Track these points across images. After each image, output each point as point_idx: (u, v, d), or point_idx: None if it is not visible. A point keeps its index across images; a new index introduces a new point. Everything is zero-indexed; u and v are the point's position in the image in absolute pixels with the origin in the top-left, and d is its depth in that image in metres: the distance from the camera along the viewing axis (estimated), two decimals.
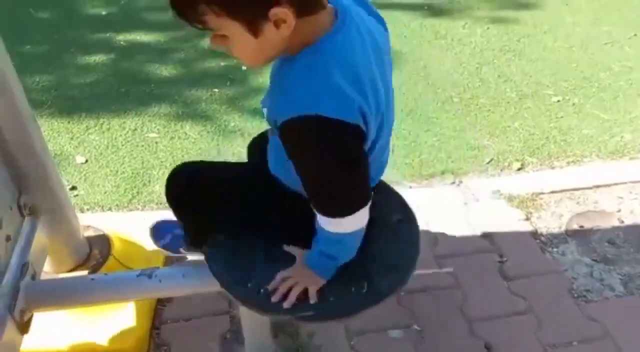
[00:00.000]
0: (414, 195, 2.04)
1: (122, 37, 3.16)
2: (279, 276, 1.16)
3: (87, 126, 2.52)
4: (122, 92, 2.74)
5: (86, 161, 2.34)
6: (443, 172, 2.30)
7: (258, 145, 1.33)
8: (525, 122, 2.57)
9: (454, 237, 1.99)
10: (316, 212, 1.05)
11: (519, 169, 2.32)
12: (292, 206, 1.15)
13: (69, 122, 2.54)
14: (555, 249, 1.97)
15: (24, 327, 1.26)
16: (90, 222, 1.86)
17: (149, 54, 3.03)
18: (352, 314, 1.17)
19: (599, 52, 3.06)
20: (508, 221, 2.06)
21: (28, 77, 2.77)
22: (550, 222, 2.07)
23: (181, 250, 1.58)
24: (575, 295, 1.81)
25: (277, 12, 0.88)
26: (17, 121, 1.32)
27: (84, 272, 1.59)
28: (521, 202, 2.14)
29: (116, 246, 1.69)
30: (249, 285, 1.17)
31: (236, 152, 2.35)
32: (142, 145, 2.41)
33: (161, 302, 1.75)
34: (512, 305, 1.77)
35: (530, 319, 1.73)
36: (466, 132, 2.50)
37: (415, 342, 1.67)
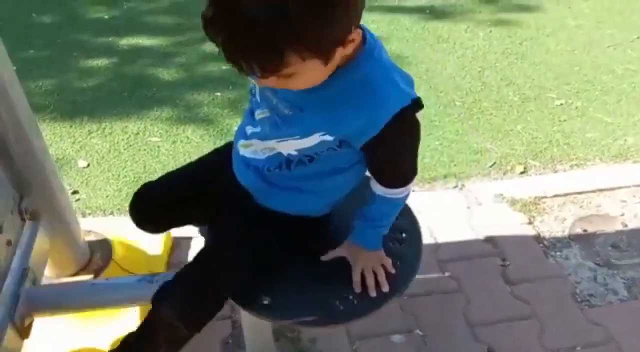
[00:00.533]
0: (416, 199, 2.02)
1: (125, 41, 3.17)
2: (355, 275, 1.17)
3: (89, 130, 2.52)
4: (125, 96, 2.74)
5: (88, 165, 2.34)
6: (446, 176, 2.29)
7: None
8: (528, 126, 2.56)
9: (456, 241, 1.99)
10: (386, 186, 1.10)
11: (521, 173, 2.32)
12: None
13: (71, 126, 2.54)
14: (558, 253, 1.96)
15: (24, 332, 1.26)
16: (92, 226, 1.86)
17: (151, 58, 3.04)
18: (354, 318, 1.16)
19: (602, 55, 3.05)
20: (511, 224, 2.05)
21: (30, 82, 2.77)
22: (553, 226, 2.06)
23: None
24: (579, 299, 1.80)
25: (352, 35, 0.89)
26: (18, 126, 1.32)
27: (86, 277, 1.58)
28: (524, 206, 2.13)
29: (117, 250, 1.68)
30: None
31: None
32: (144, 149, 2.41)
33: None
34: (515, 309, 1.76)
35: (534, 324, 1.72)
36: (469, 135, 2.49)
37: (418, 347, 1.66)
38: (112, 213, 2.11)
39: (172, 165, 2.30)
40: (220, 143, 2.44)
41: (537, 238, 2.01)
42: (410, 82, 1.01)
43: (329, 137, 1.00)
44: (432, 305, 1.78)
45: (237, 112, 2.64)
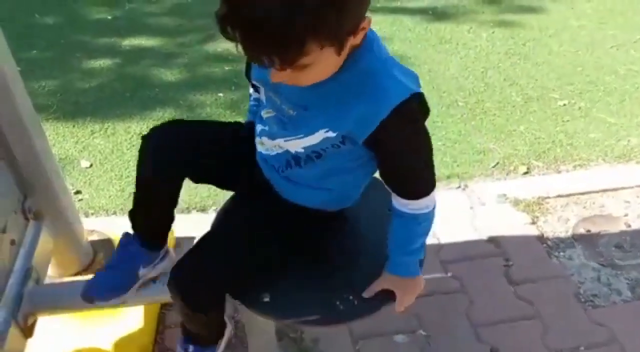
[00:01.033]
0: None
1: (127, 42, 3.17)
2: (400, 307, 1.15)
3: (92, 130, 2.52)
4: (127, 96, 2.74)
5: (91, 165, 2.34)
6: (449, 177, 2.29)
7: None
8: (531, 126, 2.56)
9: (459, 241, 1.98)
10: (404, 197, 1.07)
11: (525, 173, 2.31)
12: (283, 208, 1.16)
13: (73, 127, 2.54)
14: (562, 254, 1.96)
15: (27, 331, 1.26)
16: (95, 226, 1.86)
17: (153, 59, 3.04)
18: (355, 318, 1.16)
19: (605, 56, 3.05)
20: (514, 225, 2.05)
21: (34, 82, 2.78)
22: (556, 226, 2.06)
23: (140, 272, 1.31)
24: (582, 300, 1.79)
25: (363, 23, 0.89)
26: (21, 126, 1.32)
27: (89, 277, 1.58)
28: (527, 206, 2.13)
29: None
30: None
31: None
32: None
33: (164, 307, 1.74)
34: (518, 310, 1.76)
35: (537, 324, 1.72)
36: (471, 136, 2.49)
37: (422, 347, 1.66)
38: (115, 213, 2.11)
39: None
40: None
41: (541, 238, 2.00)
42: (413, 78, 1.00)
43: (331, 134, 1.00)
44: (434, 305, 1.77)
45: (240, 112, 2.65)
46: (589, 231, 2.04)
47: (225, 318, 1.27)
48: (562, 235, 2.02)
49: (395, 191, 1.08)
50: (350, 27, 0.87)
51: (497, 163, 2.35)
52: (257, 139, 1.16)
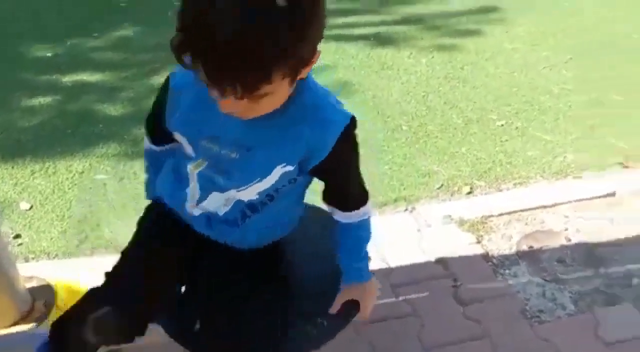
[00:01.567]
0: None
1: (69, 78, 3.12)
2: (366, 311, 1.23)
3: (32, 170, 2.45)
4: (69, 133, 2.69)
5: (31, 207, 2.26)
6: (396, 200, 2.32)
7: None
8: (472, 147, 2.64)
9: (409, 264, 2.01)
10: (351, 210, 1.15)
11: (468, 193, 2.37)
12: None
13: (12, 168, 2.46)
14: (507, 271, 2.00)
15: None
16: (35, 271, 1.80)
17: (96, 94, 2.99)
18: (326, 341, 1.19)
19: (538, 77, 3.19)
20: (460, 245, 2.09)
21: None
22: (500, 244, 2.11)
23: None
24: (529, 316, 1.84)
25: (317, 55, 0.89)
26: None
27: (27, 326, 1.52)
28: (472, 225, 2.18)
29: (61, 295, 1.63)
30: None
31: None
32: (90, 188, 2.36)
33: None
34: (466, 330, 1.79)
35: (485, 344, 1.75)
36: (416, 159, 2.54)
37: None
38: (56, 256, 2.04)
39: (120, 203, 2.26)
40: None
41: (486, 257, 2.05)
42: (339, 102, 1.05)
43: (290, 168, 1.01)
44: (387, 330, 1.78)
45: None
46: (531, 247, 2.10)
47: None
48: (507, 252, 2.08)
49: (340, 207, 1.15)
50: (308, 56, 0.88)
51: (442, 185, 2.41)
52: (189, 204, 1.11)
